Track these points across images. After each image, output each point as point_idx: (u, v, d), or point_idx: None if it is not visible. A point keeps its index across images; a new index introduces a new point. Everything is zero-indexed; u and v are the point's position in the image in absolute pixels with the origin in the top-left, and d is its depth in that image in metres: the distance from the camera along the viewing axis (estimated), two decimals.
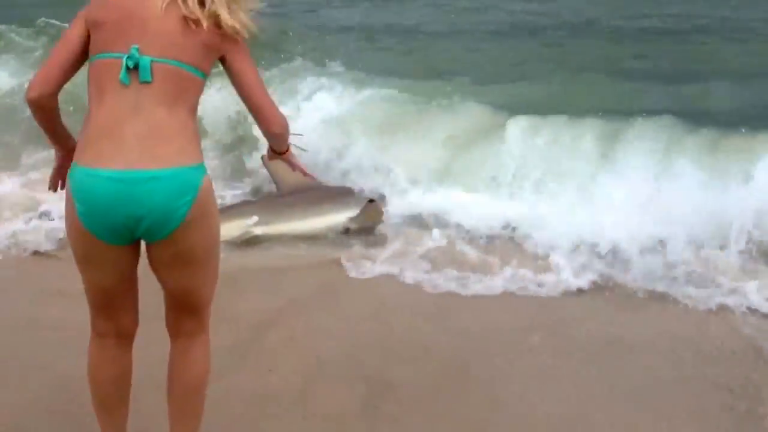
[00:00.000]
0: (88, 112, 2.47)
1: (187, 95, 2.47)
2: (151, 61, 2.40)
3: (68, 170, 2.51)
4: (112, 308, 2.61)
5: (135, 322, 2.69)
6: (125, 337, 2.67)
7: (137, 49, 2.40)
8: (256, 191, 5.98)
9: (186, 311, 2.63)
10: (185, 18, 2.43)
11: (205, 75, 2.52)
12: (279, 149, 2.85)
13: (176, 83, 2.45)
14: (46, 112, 2.56)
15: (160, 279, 2.59)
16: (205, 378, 2.71)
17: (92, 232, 2.43)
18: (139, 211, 2.39)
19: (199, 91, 2.53)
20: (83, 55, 2.51)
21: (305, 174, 3.03)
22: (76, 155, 2.47)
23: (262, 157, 5.05)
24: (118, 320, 2.63)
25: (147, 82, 2.41)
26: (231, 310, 3.93)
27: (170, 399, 2.71)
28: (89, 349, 2.68)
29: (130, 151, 2.37)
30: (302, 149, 3.15)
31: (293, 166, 2.95)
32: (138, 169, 2.37)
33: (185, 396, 2.69)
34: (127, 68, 2.39)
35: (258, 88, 2.59)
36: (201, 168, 2.47)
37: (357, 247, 5.01)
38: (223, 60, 2.55)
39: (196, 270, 2.54)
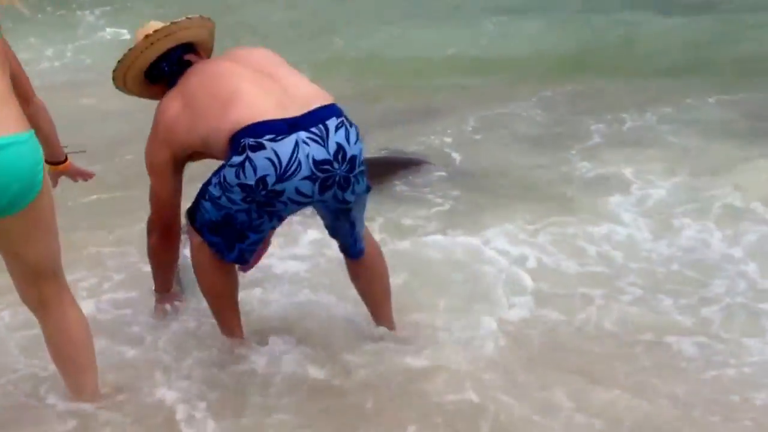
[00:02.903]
0: None
1: (6, 64, 2.43)
2: None
3: None
4: None
5: None
6: None
7: None
8: None
9: (49, 279, 2.56)
10: None
11: None
12: (54, 158, 2.87)
13: (4, 51, 2.43)
14: None
15: (17, 254, 2.49)
16: (89, 329, 2.68)
17: None
18: (5, 179, 2.30)
19: None
20: None
21: (86, 175, 3.08)
22: None
23: None
24: None
25: None
26: None
27: (67, 363, 2.66)
28: None
29: None
30: (81, 150, 3.15)
31: (74, 173, 3.01)
32: None
33: (81, 352, 2.64)
34: None
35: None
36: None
37: None
38: None
39: (51, 234, 2.49)
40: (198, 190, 2.86)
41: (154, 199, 3.02)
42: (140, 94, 3.11)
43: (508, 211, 4.23)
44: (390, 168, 4.78)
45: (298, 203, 2.72)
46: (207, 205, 2.79)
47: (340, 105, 2.81)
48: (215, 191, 2.75)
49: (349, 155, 2.70)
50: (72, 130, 3.68)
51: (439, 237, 3.98)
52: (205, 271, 2.91)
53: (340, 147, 2.69)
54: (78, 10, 9.70)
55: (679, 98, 5.97)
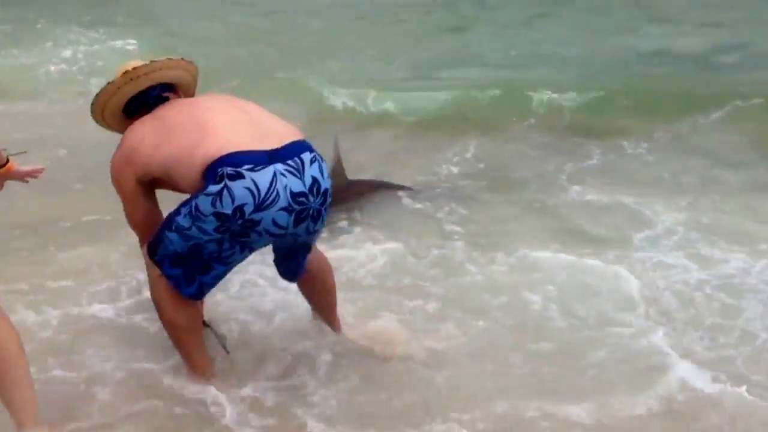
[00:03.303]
0: None
1: None
2: None
3: None
4: None
5: None
6: None
7: None
8: None
9: None
10: None
11: None
12: None
13: None
14: None
15: None
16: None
17: None
18: None
19: None
20: None
21: (35, 172, 2.92)
22: None
23: None
24: None
25: None
26: None
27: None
28: None
29: None
30: (22, 152, 2.99)
31: (21, 174, 2.87)
32: None
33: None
34: None
35: None
36: None
37: None
38: None
39: None
40: (161, 224, 2.83)
41: (131, 223, 2.99)
42: (118, 129, 3.07)
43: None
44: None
45: (272, 235, 2.70)
46: (173, 236, 2.73)
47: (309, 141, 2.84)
48: (184, 222, 2.69)
49: (322, 189, 2.74)
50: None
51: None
52: (167, 306, 2.86)
53: (315, 180, 2.71)
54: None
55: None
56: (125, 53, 8.03)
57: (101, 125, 3.13)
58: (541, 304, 3.58)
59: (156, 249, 2.81)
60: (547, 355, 3.23)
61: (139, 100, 2.99)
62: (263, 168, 2.62)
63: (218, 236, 2.67)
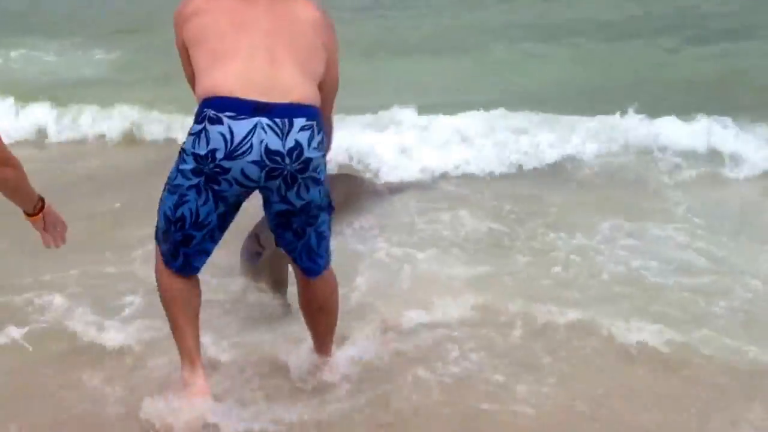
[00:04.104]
0: None
1: None
2: None
3: None
4: None
5: None
6: None
7: None
8: None
9: None
10: None
11: None
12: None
13: None
14: None
15: None
16: None
17: None
18: None
19: None
20: None
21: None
22: None
23: None
24: None
25: None
26: None
27: None
28: None
29: None
30: None
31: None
32: None
33: None
34: None
35: None
36: None
37: None
38: None
39: None
40: None
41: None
42: None
43: None
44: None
45: (242, 185, 2.73)
46: (165, 196, 2.82)
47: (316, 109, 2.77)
48: (172, 173, 2.79)
49: (304, 156, 2.71)
50: None
51: None
52: (161, 280, 2.94)
53: (298, 145, 2.69)
54: None
55: None
56: None
57: None
58: None
59: (156, 226, 2.90)
60: None
61: None
62: (245, 119, 2.65)
63: (195, 180, 2.72)
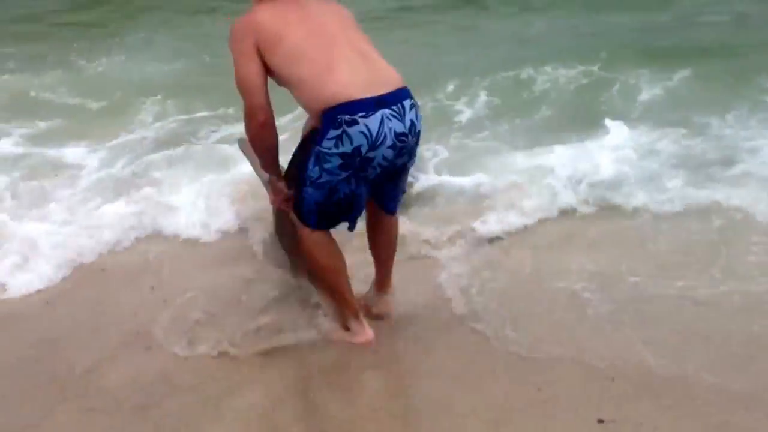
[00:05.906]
0: None
1: None
2: None
3: None
4: None
5: None
6: None
7: None
8: None
9: None
10: None
11: None
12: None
13: None
14: None
15: None
16: None
17: None
18: None
19: None
20: None
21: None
22: None
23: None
24: None
25: None
26: None
27: None
28: None
29: None
30: None
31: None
32: None
33: None
34: None
35: None
36: None
37: None
38: None
39: None
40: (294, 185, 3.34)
41: (237, 81, 3.24)
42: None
43: None
44: None
45: (382, 167, 3.23)
46: (309, 190, 3.28)
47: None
48: (313, 173, 3.24)
49: (417, 129, 3.27)
50: None
51: None
52: (319, 254, 3.40)
53: (413, 123, 3.23)
54: None
55: None
56: None
57: None
58: None
59: (301, 210, 3.34)
60: None
61: None
62: (373, 113, 3.13)
63: (345, 174, 3.21)
